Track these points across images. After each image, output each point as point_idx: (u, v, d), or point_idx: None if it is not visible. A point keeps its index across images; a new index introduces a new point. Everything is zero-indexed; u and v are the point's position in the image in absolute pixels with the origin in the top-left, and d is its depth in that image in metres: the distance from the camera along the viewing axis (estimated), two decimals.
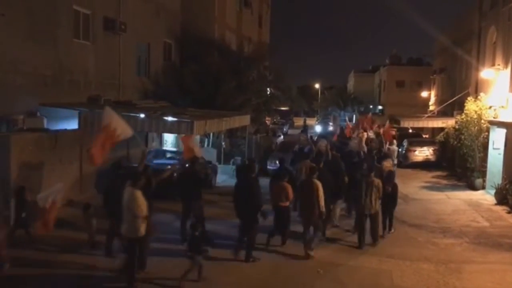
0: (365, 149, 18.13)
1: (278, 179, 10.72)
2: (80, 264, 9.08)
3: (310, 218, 10.01)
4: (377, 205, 10.89)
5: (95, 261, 9.14)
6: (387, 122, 25.94)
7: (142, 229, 7.98)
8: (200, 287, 8.22)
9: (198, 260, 8.31)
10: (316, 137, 25.58)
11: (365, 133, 21.75)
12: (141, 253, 8.37)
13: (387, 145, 20.78)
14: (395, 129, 24.97)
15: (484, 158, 17.87)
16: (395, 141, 22.82)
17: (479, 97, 18.79)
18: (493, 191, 15.95)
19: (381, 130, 23.56)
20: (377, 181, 10.95)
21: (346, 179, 12.30)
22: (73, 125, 12.83)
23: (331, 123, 46.55)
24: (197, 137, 15.34)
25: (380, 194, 10.96)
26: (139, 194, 7.90)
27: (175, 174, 11.56)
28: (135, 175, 8.24)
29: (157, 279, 8.42)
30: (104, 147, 8.54)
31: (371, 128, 24.49)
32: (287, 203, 10.34)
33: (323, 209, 9.92)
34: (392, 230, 11.94)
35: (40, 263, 9.06)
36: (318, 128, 39.63)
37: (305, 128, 39.58)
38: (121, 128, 8.69)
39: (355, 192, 11.24)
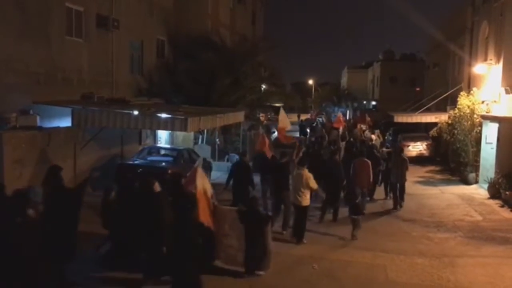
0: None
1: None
2: None
3: (365, 188, 13.10)
4: (405, 177, 14.03)
5: None
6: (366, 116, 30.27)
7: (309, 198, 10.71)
8: None
9: (359, 221, 11.00)
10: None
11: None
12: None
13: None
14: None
15: (477, 153, 17.97)
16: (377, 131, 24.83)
17: (471, 92, 18.88)
18: (486, 185, 16.07)
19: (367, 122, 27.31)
20: (406, 158, 14.14)
21: None
22: (66, 123, 12.74)
23: (322, 119, 47.06)
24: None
25: (407, 169, 14.09)
26: (308, 172, 10.50)
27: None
28: (302, 159, 11.18)
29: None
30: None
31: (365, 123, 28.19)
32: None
33: (372, 180, 13.32)
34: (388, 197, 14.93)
35: None
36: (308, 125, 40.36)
37: (301, 123, 39.50)
38: (286, 123, 14.55)
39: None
